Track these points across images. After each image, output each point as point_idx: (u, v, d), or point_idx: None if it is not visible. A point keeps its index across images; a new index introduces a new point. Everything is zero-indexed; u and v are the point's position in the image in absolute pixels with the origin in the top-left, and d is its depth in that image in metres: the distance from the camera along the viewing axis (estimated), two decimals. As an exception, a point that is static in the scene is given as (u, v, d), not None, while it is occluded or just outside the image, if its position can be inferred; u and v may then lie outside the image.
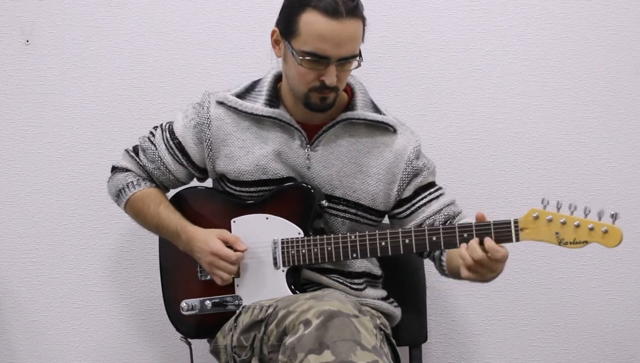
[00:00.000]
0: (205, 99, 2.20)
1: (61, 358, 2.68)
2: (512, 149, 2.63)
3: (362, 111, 2.14)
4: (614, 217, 1.86)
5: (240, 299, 2.14)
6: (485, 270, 1.95)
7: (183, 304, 2.18)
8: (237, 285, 2.14)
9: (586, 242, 1.89)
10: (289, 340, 1.87)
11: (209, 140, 2.17)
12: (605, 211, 1.87)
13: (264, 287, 2.12)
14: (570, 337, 2.67)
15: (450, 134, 2.63)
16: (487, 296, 2.65)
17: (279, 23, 2.07)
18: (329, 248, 2.07)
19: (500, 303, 2.66)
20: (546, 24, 2.61)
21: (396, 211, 2.20)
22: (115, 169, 2.29)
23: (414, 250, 2.04)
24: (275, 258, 2.11)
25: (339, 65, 2.02)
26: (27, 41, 2.62)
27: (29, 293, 2.66)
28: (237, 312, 2.12)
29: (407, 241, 2.03)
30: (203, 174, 2.26)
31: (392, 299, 2.27)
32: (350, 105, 2.16)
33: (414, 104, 2.61)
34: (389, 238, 2.04)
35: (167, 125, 2.24)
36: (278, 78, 2.18)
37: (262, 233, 2.12)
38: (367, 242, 2.06)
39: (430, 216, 2.16)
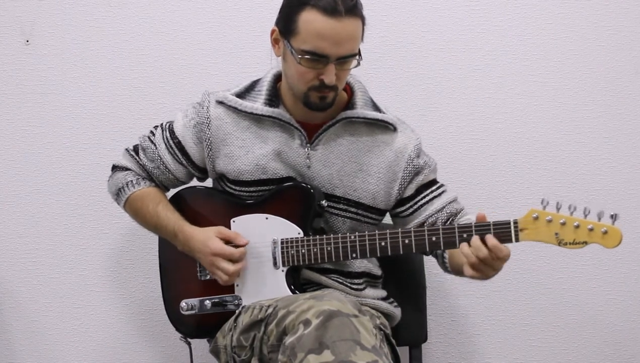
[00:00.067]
0: (205, 98, 2.20)
1: (61, 358, 2.68)
2: (512, 149, 2.63)
3: (362, 110, 2.14)
4: (614, 217, 1.85)
5: (240, 299, 2.14)
6: (488, 268, 1.95)
7: (183, 304, 2.18)
8: (237, 285, 2.14)
9: (586, 243, 1.89)
10: (288, 340, 1.87)
11: (209, 139, 2.17)
12: (604, 212, 1.87)
13: (263, 287, 2.11)
14: (570, 337, 2.67)
15: (450, 134, 2.63)
16: (487, 296, 2.65)
17: (278, 22, 2.07)
18: (329, 248, 2.07)
19: (500, 303, 2.66)
20: (546, 24, 2.61)
21: (398, 210, 2.20)
22: (115, 168, 2.29)
23: (414, 250, 2.04)
24: (274, 258, 2.11)
25: (338, 64, 2.02)
26: (27, 41, 2.62)
27: (29, 293, 2.66)
28: (237, 311, 2.12)
29: (406, 241, 2.03)
30: (203, 173, 2.25)
31: (392, 299, 2.27)
32: (350, 104, 2.16)
33: (414, 103, 2.60)
34: (388, 239, 2.04)
35: (167, 124, 2.24)
36: (278, 77, 2.18)
37: (262, 233, 2.12)
38: (367, 242, 2.05)
39: (433, 214, 2.16)
